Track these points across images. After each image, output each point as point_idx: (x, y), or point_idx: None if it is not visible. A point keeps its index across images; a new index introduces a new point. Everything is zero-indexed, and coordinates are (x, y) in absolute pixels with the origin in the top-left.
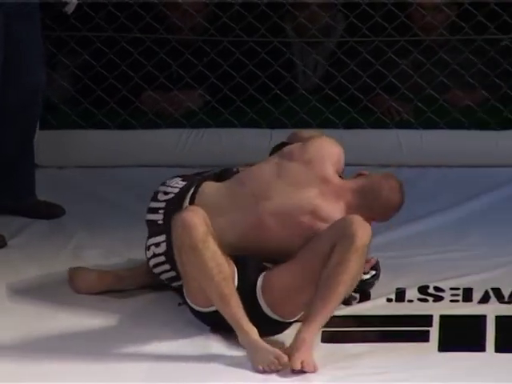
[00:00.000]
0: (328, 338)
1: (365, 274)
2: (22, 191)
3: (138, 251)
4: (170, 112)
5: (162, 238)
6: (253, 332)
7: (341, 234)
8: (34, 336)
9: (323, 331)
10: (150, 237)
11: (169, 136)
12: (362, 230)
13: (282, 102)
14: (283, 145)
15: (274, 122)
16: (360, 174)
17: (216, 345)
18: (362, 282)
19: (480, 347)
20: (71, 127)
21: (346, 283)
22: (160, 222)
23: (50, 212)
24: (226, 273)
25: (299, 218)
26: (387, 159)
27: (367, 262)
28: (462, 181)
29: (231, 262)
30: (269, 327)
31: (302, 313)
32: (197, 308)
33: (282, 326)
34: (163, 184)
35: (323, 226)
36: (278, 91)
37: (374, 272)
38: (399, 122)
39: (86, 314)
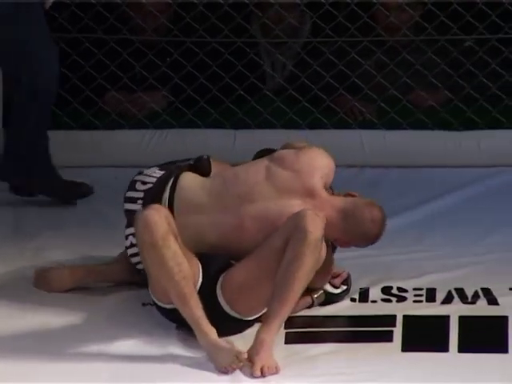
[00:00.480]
0: (292, 338)
1: (336, 288)
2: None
3: (102, 251)
4: (133, 113)
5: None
6: (212, 332)
7: (293, 229)
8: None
9: (287, 332)
10: (128, 226)
11: (132, 137)
12: (314, 224)
13: (247, 102)
14: (267, 151)
15: (238, 122)
16: (349, 194)
17: (182, 345)
18: (333, 295)
19: (443, 347)
20: None
21: (301, 279)
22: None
23: (77, 191)
24: (185, 272)
25: (277, 225)
26: (350, 159)
27: (338, 275)
28: (425, 181)
29: (196, 260)
30: (229, 325)
31: (264, 310)
32: (161, 305)
33: (242, 324)
34: (140, 173)
35: None
36: (242, 92)
37: (345, 287)
38: (362, 122)
39: (53, 314)
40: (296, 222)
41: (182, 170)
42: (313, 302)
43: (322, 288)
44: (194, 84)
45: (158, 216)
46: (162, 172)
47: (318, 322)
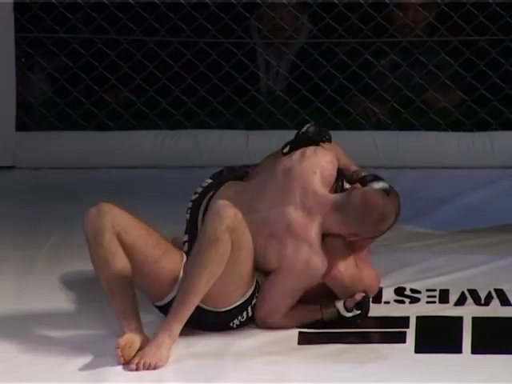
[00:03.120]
0: (305, 339)
1: (348, 311)
2: None
3: None
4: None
5: (186, 237)
6: (127, 326)
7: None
8: None
9: (300, 332)
10: (184, 233)
11: (145, 137)
12: (213, 220)
13: (259, 103)
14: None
15: (251, 123)
16: (353, 188)
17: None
18: (343, 317)
19: (456, 349)
20: (48, 128)
21: (201, 274)
22: (187, 221)
23: None
24: (115, 268)
25: (274, 232)
26: (363, 161)
27: (351, 297)
28: (439, 182)
29: (180, 254)
30: (204, 317)
31: (241, 301)
32: (153, 303)
33: (213, 316)
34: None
35: (293, 241)
36: (255, 93)
37: (357, 312)
38: (375, 123)
39: (65, 310)
40: (205, 219)
41: (226, 180)
42: (322, 316)
43: (334, 305)
44: (207, 85)
45: (97, 213)
46: (210, 181)
47: (331, 322)
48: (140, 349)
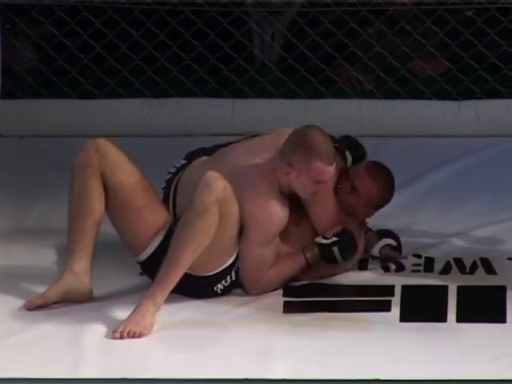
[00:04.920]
0: (290, 308)
1: (325, 238)
2: None
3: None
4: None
5: None
6: (70, 266)
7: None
8: None
9: (285, 301)
10: None
11: (130, 105)
12: (203, 191)
13: (246, 71)
14: None
15: (237, 91)
16: None
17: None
18: (323, 245)
19: (441, 317)
20: (33, 96)
21: (188, 245)
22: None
23: None
24: (84, 206)
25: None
26: (349, 129)
27: (331, 228)
28: (424, 151)
29: (166, 213)
30: (194, 285)
31: (225, 265)
32: (136, 258)
33: (198, 281)
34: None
35: (248, 193)
36: (241, 61)
37: (335, 238)
38: (361, 91)
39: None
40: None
41: (197, 157)
42: (307, 260)
43: (313, 243)
44: (192, 53)
45: (89, 146)
46: (184, 162)
47: (317, 291)
48: (76, 291)
